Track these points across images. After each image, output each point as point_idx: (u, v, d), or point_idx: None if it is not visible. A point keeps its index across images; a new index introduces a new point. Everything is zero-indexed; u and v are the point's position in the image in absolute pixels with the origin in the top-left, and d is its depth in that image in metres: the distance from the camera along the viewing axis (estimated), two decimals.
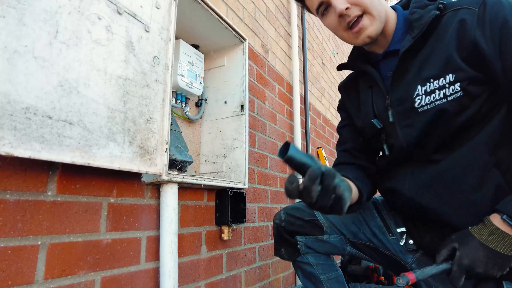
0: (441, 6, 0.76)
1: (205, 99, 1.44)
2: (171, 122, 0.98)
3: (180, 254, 1.09)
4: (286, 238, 1.03)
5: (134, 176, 0.96)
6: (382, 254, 0.96)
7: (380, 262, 1.00)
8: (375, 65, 0.88)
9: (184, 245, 1.12)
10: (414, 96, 0.77)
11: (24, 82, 0.61)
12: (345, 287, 1.03)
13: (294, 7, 2.44)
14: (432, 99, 0.74)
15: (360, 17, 0.77)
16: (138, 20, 0.86)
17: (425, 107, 0.76)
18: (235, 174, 1.31)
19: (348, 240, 0.99)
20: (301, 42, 2.59)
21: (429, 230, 0.85)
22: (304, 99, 2.47)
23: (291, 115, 2.23)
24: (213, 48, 1.45)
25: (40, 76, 0.64)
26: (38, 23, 0.64)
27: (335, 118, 3.44)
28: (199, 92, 1.29)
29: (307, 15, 2.78)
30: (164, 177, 0.91)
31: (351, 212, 0.84)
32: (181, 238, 1.11)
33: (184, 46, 1.23)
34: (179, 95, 1.26)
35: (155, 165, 0.87)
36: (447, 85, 0.72)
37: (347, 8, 0.75)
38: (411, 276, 0.62)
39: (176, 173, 1.06)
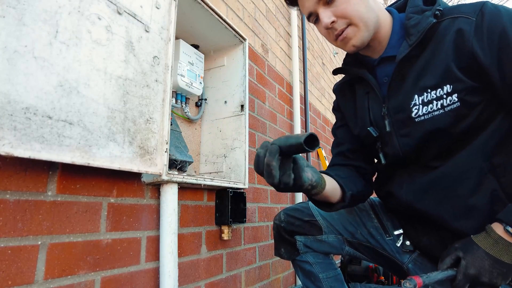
0: (438, 13, 0.75)
1: (205, 99, 1.44)
2: (171, 122, 0.98)
3: (180, 254, 1.09)
4: (286, 237, 1.03)
5: (134, 176, 0.96)
6: (379, 254, 0.97)
7: (377, 262, 1.01)
8: (371, 70, 0.87)
9: (184, 245, 1.12)
10: (411, 106, 0.77)
11: (24, 82, 0.61)
12: (344, 286, 1.04)
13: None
14: (429, 109, 0.74)
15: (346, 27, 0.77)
16: (138, 20, 0.86)
17: (422, 117, 0.76)
18: (235, 174, 1.31)
19: (346, 240, 1.00)
20: (301, 42, 2.59)
21: (426, 232, 0.85)
22: (304, 99, 2.46)
23: (291, 115, 2.23)
24: (213, 48, 1.45)
25: (40, 76, 0.64)
26: (38, 23, 0.64)
27: None
28: (199, 92, 1.29)
29: None
30: (164, 177, 0.91)
31: (335, 210, 0.84)
32: (181, 238, 1.11)
33: (184, 46, 1.23)
34: (179, 95, 1.26)
35: (155, 165, 0.87)
36: (444, 96, 0.72)
37: (332, 22, 0.76)
38: (418, 280, 0.62)
39: (176, 173, 1.06)
